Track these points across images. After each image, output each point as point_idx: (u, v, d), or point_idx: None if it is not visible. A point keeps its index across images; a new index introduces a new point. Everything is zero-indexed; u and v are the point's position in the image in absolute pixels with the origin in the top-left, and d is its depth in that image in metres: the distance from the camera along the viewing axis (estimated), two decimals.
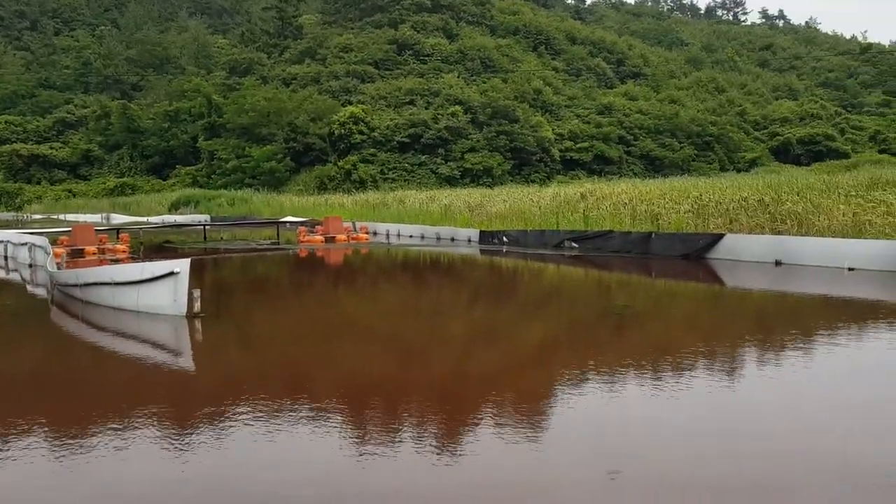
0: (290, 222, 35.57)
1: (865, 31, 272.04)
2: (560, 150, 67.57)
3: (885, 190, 21.90)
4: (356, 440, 5.88)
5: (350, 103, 68.82)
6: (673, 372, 7.84)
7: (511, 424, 6.20)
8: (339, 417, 6.55)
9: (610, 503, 4.71)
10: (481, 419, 6.40)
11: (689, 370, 7.94)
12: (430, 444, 5.75)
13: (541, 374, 8.36)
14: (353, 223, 33.77)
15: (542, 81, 75.38)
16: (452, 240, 28.85)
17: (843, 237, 17.49)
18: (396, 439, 5.85)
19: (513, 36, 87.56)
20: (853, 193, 21.85)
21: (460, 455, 5.52)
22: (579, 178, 58.80)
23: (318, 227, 31.49)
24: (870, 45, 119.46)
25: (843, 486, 4.86)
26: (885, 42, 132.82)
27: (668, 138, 73.47)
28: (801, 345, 9.35)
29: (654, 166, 69.11)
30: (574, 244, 22.83)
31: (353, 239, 30.20)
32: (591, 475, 5.09)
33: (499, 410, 6.71)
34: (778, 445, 5.57)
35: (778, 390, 7.21)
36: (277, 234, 33.26)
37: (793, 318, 11.99)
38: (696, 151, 73.65)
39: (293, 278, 20.43)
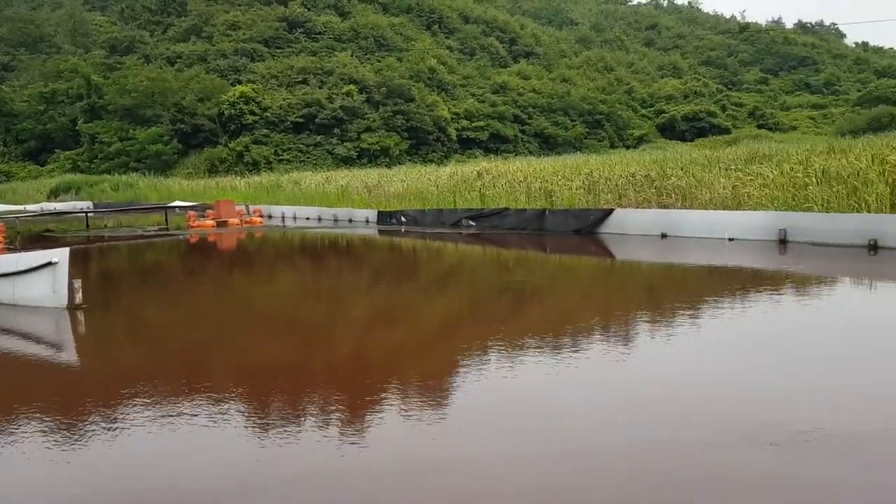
0: (180, 207, 34.31)
1: (744, 11, 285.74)
2: (457, 130, 67.94)
3: (762, 164, 23.09)
4: (258, 428, 5.70)
5: (240, 82, 66.82)
6: (572, 343, 8.03)
7: (416, 404, 6.18)
8: (239, 406, 6.34)
9: (516, 478, 4.75)
10: (385, 400, 6.35)
11: (586, 341, 8.15)
12: (335, 428, 5.66)
13: (444, 352, 8.39)
14: (247, 206, 32.92)
15: (436, 60, 75.38)
16: (350, 221, 28.58)
17: (724, 209, 18.36)
18: (300, 425, 5.72)
19: (406, 14, 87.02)
20: (733, 167, 22.95)
21: (366, 437, 5.45)
22: (476, 157, 59.37)
23: (209, 212, 30.50)
24: (748, 25, 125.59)
25: (739, 444, 5.08)
26: (762, 21, 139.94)
27: (560, 117, 75.12)
28: (690, 312, 9.76)
29: (549, 144, 70.55)
30: (471, 222, 23.04)
31: (246, 223, 29.42)
32: (498, 450, 5.12)
33: (403, 390, 6.68)
34: (676, 409, 5.79)
35: (670, 356, 7.49)
36: (166, 220, 32.00)
37: (680, 288, 12.51)
38: (587, 129, 75.65)
39: (183, 265, 19.72)
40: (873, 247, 14.31)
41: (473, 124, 69.21)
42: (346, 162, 58.29)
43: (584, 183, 23.51)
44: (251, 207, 32.89)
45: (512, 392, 6.42)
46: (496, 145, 67.89)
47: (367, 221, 27.42)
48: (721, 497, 4.33)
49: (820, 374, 6.70)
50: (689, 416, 5.64)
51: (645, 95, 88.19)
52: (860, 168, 18.00)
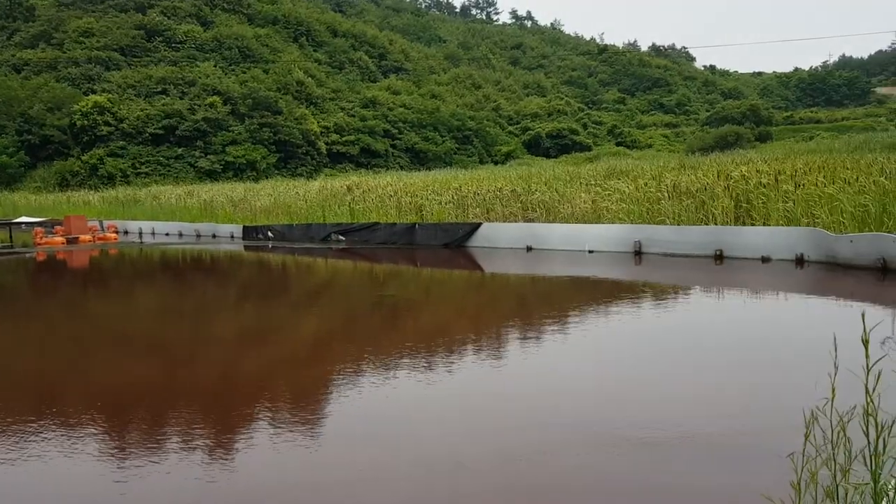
0: (26, 223, 31.90)
1: (603, 34, 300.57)
2: (326, 143, 67.25)
3: (619, 179, 24.24)
4: (117, 459, 5.26)
5: (94, 92, 63.24)
6: (445, 356, 8.00)
7: (287, 424, 5.93)
8: (96, 435, 5.84)
9: (388, 495, 4.62)
10: (256, 422, 6.04)
11: (458, 354, 8.14)
12: (203, 454, 5.31)
13: (315, 369, 8.12)
14: (101, 222, 31.09)
15: (304, 73, 74.40)
16: (214, 236, 27.55)
17: (585, 223, 19.06)
18: (164, 453, 5.33)
19: (272, 26, 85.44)
20: (593, 183, 23.96)
21: (235, 462, 5.16)
22: (347, 171, 59.00)
23: (58, 228, 28.53)
24: (606, 47, 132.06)
25: (603, 447, 5.17)
26: (620, 44, 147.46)
27: (431, 132, 75.95)
28: (556, 322, 9.97)
29: (420, 159, 71.13)
30: (341, 237, 22.75)
31: (99, 239, 27.73)
32: (371, 467, 4.98)
33: (274, 411, 6.40)
34: (547, 416, 5.86)
35: (538, 366, 7.60)
36: (10, 237, 29.65)
37: (545, 299, 12.81)
38: (457, 145, 76.90)
39: (29, 285, 18.27)
40: (719, 256, 15.24)
41: (343, 138, 68.75)
42: (211, 175, 56.36)
43: (453, 197, 23.79)
44: (105, 223, 31.07)
45: (384, 407, 6.30)
46: (367, 159, 67.75)
47: (233, 237, 26.52)
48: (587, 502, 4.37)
49: (677, 377, 6.98)
50: (556, 424, 5.72)
51: (511, 113, 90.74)
52: (707, 183, 19.21)
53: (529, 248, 18.58)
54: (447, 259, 18.65)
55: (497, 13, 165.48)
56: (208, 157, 59.72)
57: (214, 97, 62.61)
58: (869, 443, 1.70)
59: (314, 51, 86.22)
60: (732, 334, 8.99)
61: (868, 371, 1.66)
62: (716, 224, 16.81)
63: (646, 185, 20.97)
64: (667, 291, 12.79)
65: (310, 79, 74.50)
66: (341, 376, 7.44)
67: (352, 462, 5.15)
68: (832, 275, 13.01)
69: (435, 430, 5.69)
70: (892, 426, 1.69)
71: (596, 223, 18.76)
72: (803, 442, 1.75)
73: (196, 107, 61.41)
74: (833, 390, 1.73)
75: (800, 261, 14.18)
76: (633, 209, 18.79)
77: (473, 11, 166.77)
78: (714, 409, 5.98)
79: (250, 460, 5.21)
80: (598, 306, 11.23)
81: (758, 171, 21.34)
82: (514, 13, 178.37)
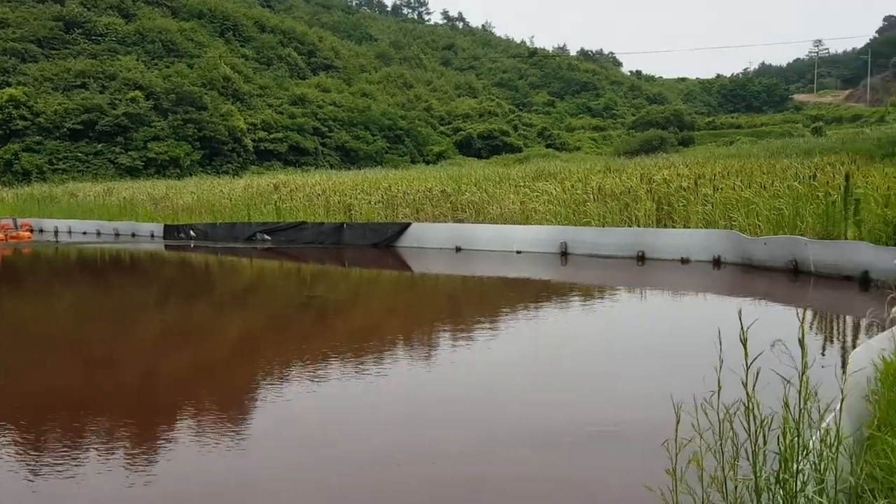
0: None
1: (533, 37, 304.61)
2: (254, 141, 65.98)
3: (547, 181, 24.58)
4: (32, 465, 5.01)
5: (9, 85, 60.45)
6: (373, 356, 7.94)
7: (211, 427, 5.78)
8: (10, 438, 5.56)
9: (315, 493, 4.56)
10: (179, 426, 5.87)
11: (387, 353, 8.10)
12: (123, 459, 5.12)
13: (241, 372, 7.94)
14: (14, 220, 29.79)
15: (231, 69, 72.85)
16: (133, 235, 26.74)
17: (513, 223, 19.25)
18: (80, 457, 5.11)
19: (197, 20, 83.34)
20: (522, 184, 24.23)
21: (157, 466, 5.00)
22: (275, 170, 58.02)
23: None
24: (536, 50, 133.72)
25: (533, 445, 5.22)
26: (550, 47, 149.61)
27: (361, 131, 75.42)
28: (486, 321, 10.03)
29: (350, 158, 70.55)
30: (266, 237, 22.38)
31: (12, 238, 26.56)
32: (295, 470, 4.91)
33: (197, 415, 6.23)
34: (476, 413, 5.89)
35: (464, 364, 7.63)
36: None
37: (474, 299, 12.88)
38: (388, 144, 76.59)
39: None
40: (641, 258, 15.61)
41: (271, 136, 67.58)
42: (132, 172, 54.64)
43: (383, 197, 23.69)
44: (19, 221, 29.79)
45: (311, 409, 6.24)
46: (296, 158, 66.78)
47: (153, 236, 25.78)
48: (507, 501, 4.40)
49: (595, 376, 7.11)
50: (485, 423, 5.76)
51: (443, 113, 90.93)
52: (631, 186, 19.65)
53: (458, 249, 18.65)
54: (376, 259, 18.56)
55: (429, 13, 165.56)
56: (129, 153, 57.84)
57: (136, 92, 60.68)
58: (750, 438, 1.76)
59: (241, 46, 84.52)
60: (649, 334, 9.22)
61: (748, 369, 1.71)
62: (638, 226, 17.21)
63: (572, 187, 21.32)
64: (591, 292, 13.03)
65: (236, 74, 72.98)
66: (268, 378, 7.31)
67: (279, 463, 5.07)
68: (747, 276, 13.48)
69: (362, 431, 5.65)
70: (770, 421, 1.74)
71: (524, 224, 18.97)
72: (674, 431, 1.79)
73: (117, 101, 59.39)
74: (719, 385, 1.78)
75: (717, 262, 14.64)
76: (560, 211, 19.08)
77: (405, 11, 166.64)
78: (626, 406, 6.11)
79: (172, 464, 5.06)
80: (524, 307, 11.35)
81: (679, 175, 21.96)
82: (445, 14, 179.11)
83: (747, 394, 1.73)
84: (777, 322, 9.06)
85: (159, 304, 13.67)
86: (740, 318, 1.82)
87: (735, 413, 1.77)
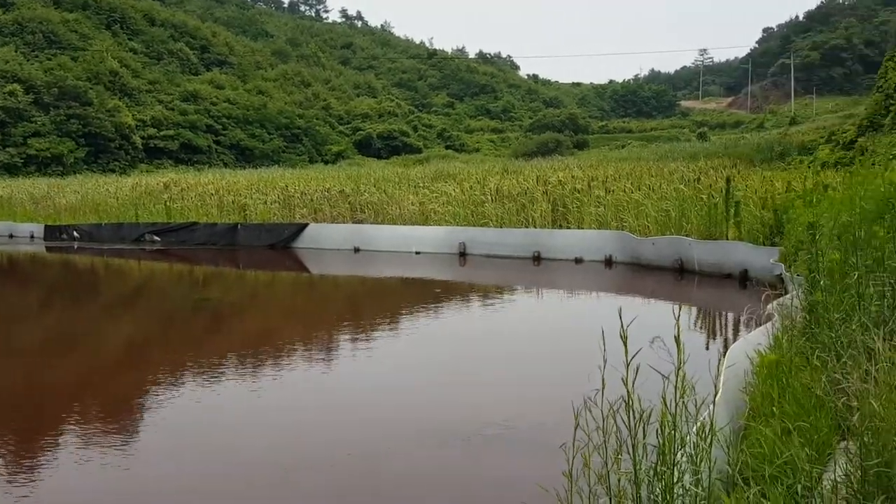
0: None
1: (432, 38, 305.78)
2: (143, 138, 63.34)
3: (446, 182, 24.76)
4: None
5: None
6: (270, 362, 7.76)
7: (96, 439, 5.48)
8: None
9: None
10: (62, 439, 5.54)
11: (284, 358, 7.93)
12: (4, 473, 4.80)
13: (127, 380, 7.59)
14: None
15: (118, 63, 69.71)
16: (11, 236, 25.19)
17: (412, 224, 19.27)
18: None
19: (82, 11, 79.26)
20: (421, 185, 24.31)
21: (39, 483, 4.70)
22: (166, 168, 55.93)
23: None
24: (436, 52, 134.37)
25: (430, 444, 5.21)
26: (449, 49, 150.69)
27: (257, 129, 73.69)
28: (385, 323, 9.97)
29: (246, 157, 68.81)
30: (156, 238, 21.52)
31: None
32: (188, 479, 4.73)
33: (82, 425, 5.90)
34: (377, 415, 5.85)
35: (365, 369, 7.56)
36: None
37: (373, 300, 12.80)
38: (285, 143, 75.15)
39: None
40: (537, 258, 15.94)
41: (162, 133, 65.05)
42: (10, 170, 51.42)
43: (279, 197, 23.22)
44: None
45: (204, 417, 6.04)
46: (188, 156, 64.53)
47: (33, 237, 24.35)
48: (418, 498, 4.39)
49: (492, 376, 7.19)
50: (385, 425, 5.74)
51: (342, 112, 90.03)
52: (528, 188, 20.06)
53: (357, 250, 18.50)
54: (272, 260, 18.18)
55: (327, 11, 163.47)
56: (7, 149, 54.39)
57: (14, 85, 57.14)
58: (630, 432, 1.81)
59: (129, 39, 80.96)
60: (542, 334, 9.43)
61: (627, 366, 1.76)
62: (535, 227, 17.57)
63: (471, 188, 21.57)
64: (488, 292, 13.20)
65: (124, 69, 69.85)
66: (158, 386, 7.01)
67: (169, 475, 4.87)
68: (637, 275, 13.99)
69: (261, 437, 5.52)
70: (649, 416, 1.80)
71: (423, 225, 19.02)
72: (573, 433, 1.83)
73: None
74: (603, 383, 1.82)
75: (609, 262, 15.12)
76: (459, 211, 19.24)
77: (302, 8, 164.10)
78: (519, 406, 6.22)
79: (54, 481, 4.78)
80: (423, 308, 11.37)
81: (573, 178, 22.60)
82: (343, 12, 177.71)
83: (627, 391, 1.78)
84: (660, 320, 9.41)
85: (40, 309, 12.91)
86: (620, 317, 1.87)
87: (618, 410, 1.82)
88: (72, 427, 5.89)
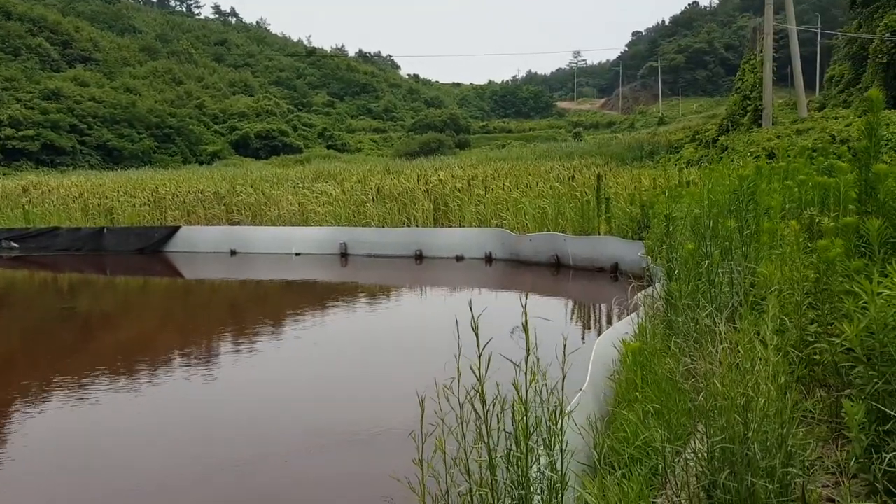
0: None
1: (310, 36, 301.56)
2: (0, 139, 59.20)
3: (327, 182, 24.47)
4: None
5: None
6: (143, 372, 7.40)
7: None
8: None
9: None
10: None
11: (159, 368, 7.58)
12: None
13: None
14: None
15: None
16: None
17: (292, 225, 18.91)
18: None
19: None
20: (301, 185, 23.89)
21: None
22: (26, 170, 52.45)
23: None
24: (314, 50, 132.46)
25: (318, 446, 5.11)
26: (328, 47, 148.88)
27: (126, 129, 70.27)
28: (265, 327, 9.72)
29: (113, 157, 65.48)
30: (14, 244, 20.12)
31: None
32: (58, 495, 4.42)
33: None
34: (259, 422, 5.69)
35: (246, 373, 7.35)
36: None
37: (251, 304, 12.46)
38: (156, 143, 72.05)
39: None
40: (419, 256, 16.01)
41: (21, 133, 60.92)
42: None
43: (149, 199, 22.22)
44: None
45: (77, 431, 5.71)
46: (50, 157, 60.76)
47: None
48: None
49: (370, 375, 7.16)
50: (271, 430, 5.61)
51: (217, 111, 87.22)
52: (409, 187, 20.11)
53: (234, 252, 17.97)
54: (141, 266, 17.37)
55: (199, 6, 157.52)
56: None
57: None
58: (484, 419, 1.84)
59: None
60: (417, 331, 9.48)
61: (480, 355, 1.78)
62: (416, 226, 17.64)
63: (352, 188, 21.40)
64: (370, 292, 13.14)
65: None
66: (22, 402, 6.55)
67: (39, 497, 4.56)
68: (515, 270, 14.30)
69: (136, 451, 5.30)
70: (503, 403, 1.83)
71: (303, 226, 18.70)
72: (420, 421, 1.84)
73: None
74: (459, 371, 1.84)
75: (489, 259, 15.38)
76: (340, 212, 19.05)
77: (172, 3, 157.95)
78: (387, 404, 6.23)
79: None
80: (303, 311, 11.18)
81: (454, 177, 22.84)
82: (217, 8, 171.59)
83: (478, 378, 1.80)
84: (532, 312, 9.70)
85: None
86: (471, 309, 1.90)
87: (473, 398, 1.84)
88: None
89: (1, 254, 19.66)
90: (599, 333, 8.53)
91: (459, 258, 15.66)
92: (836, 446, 3.16)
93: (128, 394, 6.75)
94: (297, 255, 17.20)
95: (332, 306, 11.45)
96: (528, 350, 1.83)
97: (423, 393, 1.85)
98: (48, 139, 62.51)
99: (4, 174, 44.85)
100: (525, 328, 1.95)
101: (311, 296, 12.81)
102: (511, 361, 1.83)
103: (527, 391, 1.82)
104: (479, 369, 1.75)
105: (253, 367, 7.72)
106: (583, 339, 8.18)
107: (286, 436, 5.55)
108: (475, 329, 1.81)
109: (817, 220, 5.06)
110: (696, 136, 32.75)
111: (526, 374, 1.82)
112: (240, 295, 13.84)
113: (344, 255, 16.85)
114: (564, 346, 2.06)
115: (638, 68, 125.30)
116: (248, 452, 5.20)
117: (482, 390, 1.79)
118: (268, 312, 11.33)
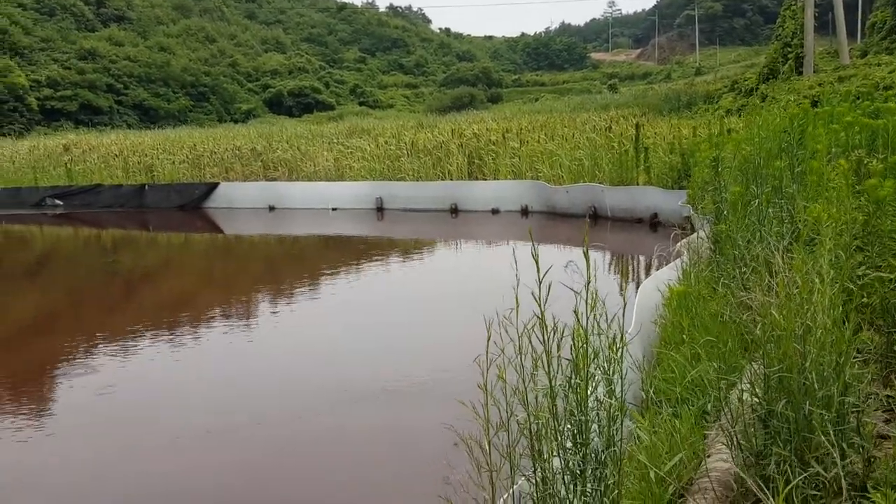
0: None
1: None
2: (38, 99, 59.96)
3: (361, 137, 24.45)
4: None
5: None
6: (188, 326, 7.62)
7: (9, 411, 5.29)
8: None
9: (119, 478, 4.29)
10: None
11: (203, 323, 7.79)
12: None
13: (39, 349, 7.28)
14: None
15: (7, 20, 65.43)
16: None
17: (328, 181, 19.00)
18: None
19: None
20: (335, 141, 23.92)
21: None
22: (65, 130, 53.22)
23: None
24: (345, 5, 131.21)
25: (353, 402, 5.23)
26: (358, 3, 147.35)
27: (161, 88, 70.76)
28: (305, 283, 9.87)
29: (150, 117, 66.09)
30: (58, 202, 20.56)
31: None
32: (102, 449, 4.62)
33: None
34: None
35: (289, 327, 7.53)
36: None
37: (292, 259, 12.63)
38: (192, 102, 72.49)
39: None
40: (454, 210, 16.01)
41: (59, 93, 61.72)
42: None
43: (187, 157, 22.46)
44: None
45: (124, 382, 5.91)
46: (88, 117, 61.51)
47: None
48: (340, 453, 4.40)
49: (420, 326, 7.25)
50: (309, 385, 5.75)
51: (250, 69, 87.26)
52: (443, 141, 20.02)
53: (272, 208, 18.15)
54: (183, 222, 17.65)
55: None
56: None
57: None
58: (545, 348, 1.86)
59: None
60: (464, 282, 9.54)
61: (540, 284, 1.80)
62: (451, 179, 17.59)
63: (386, 143, 21.37)
64: (407, 246, 13.22)
65: (14, 26, 65.69)
66: (72, 356, 6.79)
67: (87, 442, 4.74)
68: (551, 222, 14.24)
69: (181, 405, 5.47)
70: (563, 332, 1.86)
71: (339, 181, 18.78)
72: (486, 347, 1.87)
73: None
74: (517, 301, 1.86)
75: (525, 211, 15.32)
76: (375, 167, 19.07)
77: None
78: (443, 354, 6.31)
79: None
80: (343, 266, 11.29)
81: (488, 130, 22.66)
82: None
83: (539, 307, 1.82)
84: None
85: None
86: (530, 236, 1.91)
87: (532, 328, 1.87)
88: None
89: (46, 211, 20.11)
90: (638, 282, 8.52)
91: (495, 211, 15.63)
92: (886, 386, 3.15)
93: (172, 347, 6.92)
94: (333, 210, 17.31)
95: (371, 261, 11.55)
96: (587, 277, 1.84)
97: (486, 326, 1.88)
98: (86, 99, 63.26)
99: (45, 134, 45.57)
100: (586, 254, 1.97)
101: (351, 251, 12.93)
102: (571, 289, 1.85)
103: (587, 319, 1.84)
104: (539, 297, 1.77)
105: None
106: (625, 285, 8.16)
107: (330, 393, 5.67)
108: (535, 256, 1.82)
109: (865, 161, 4.95)
110: (735, 86, 31.98)
111: (587, 300, 1.84)
112: (281, 250, 14.01)
113: (380, 210, 16.92)
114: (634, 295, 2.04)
115: (674, 17, 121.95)
116: (311, 401, 5.34)
117: (543, 317, 1.81)
118: (308, 268, 11.47)
